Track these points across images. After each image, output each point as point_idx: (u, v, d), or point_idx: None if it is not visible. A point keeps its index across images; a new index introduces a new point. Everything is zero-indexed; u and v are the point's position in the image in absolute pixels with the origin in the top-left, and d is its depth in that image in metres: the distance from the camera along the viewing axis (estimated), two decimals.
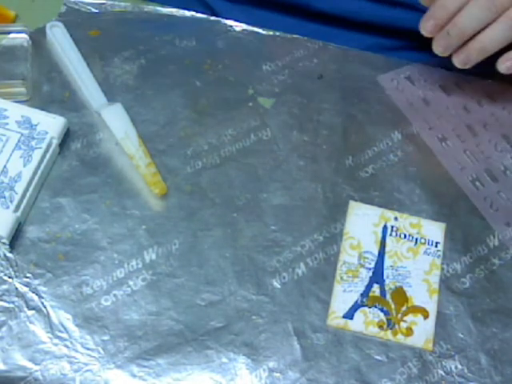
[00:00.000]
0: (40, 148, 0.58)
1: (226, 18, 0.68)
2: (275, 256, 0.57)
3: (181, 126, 0.62)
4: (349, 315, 0.55)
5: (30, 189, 0.57)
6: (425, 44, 0.61)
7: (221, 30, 0.68)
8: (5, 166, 0.57)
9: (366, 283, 0.57)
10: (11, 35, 0.63)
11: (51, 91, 0.62)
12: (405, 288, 0.57)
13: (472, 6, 0.57)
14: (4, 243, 0.55)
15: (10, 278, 0.55)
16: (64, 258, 0.56)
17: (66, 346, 0.53)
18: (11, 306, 0.54)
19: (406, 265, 0.58)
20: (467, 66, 0.60)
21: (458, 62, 0.60)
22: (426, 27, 0.59)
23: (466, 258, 0.58)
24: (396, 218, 0.59)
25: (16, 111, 0.59)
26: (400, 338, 0.55)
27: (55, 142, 0.59)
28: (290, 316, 0.55)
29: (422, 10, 0.60)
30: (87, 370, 0.52)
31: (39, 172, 0.57)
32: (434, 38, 0.59)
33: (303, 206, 0.59)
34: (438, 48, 0.60)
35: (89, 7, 0.67)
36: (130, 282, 0.55)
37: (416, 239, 0.59)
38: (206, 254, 0.57)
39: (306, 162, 0.61)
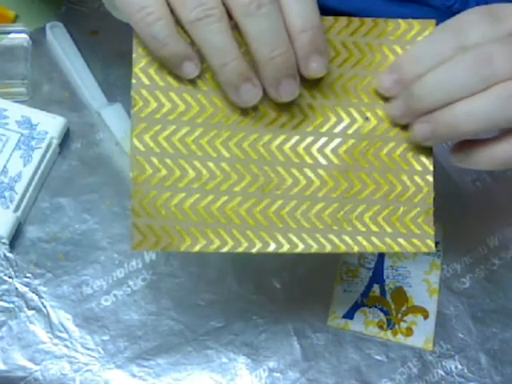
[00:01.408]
0: (40, 148, 0.58)
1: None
2: (275, 256, 0.57)
3: None
4: (349, 315, 0.55)
5: (30, 189, 0.57)
6: None
7: None
8: (5, 166, 0.57)
9: (365, 283, 0.57)
10: (11, 35, 0.63)
11: (51, 91, 0.62)
12: (405, 288, 0.57)
13: (454, 65, 0.40)
14: (4, 243, 0.55)
15: (10, 277, 0.55)
16: (64, 258, 0.56)
17: (66, 346, 0.53)
18: (11, 306, 0.54)
19: (406, 265, 0.58)
20: (429, 143, 0.43)
21: (417, 133, 0.42)
22: (384, 82, 0.42)
23: (466, 258, 0.58)
24: None
25: (16, 111, 0.59)
26: (400, 337, 0.55)
27: (55, 142, 0.59)
28: (289, 316, 0.55)
29: (432, 7, 0.58)
30: (87, 370, 0.52)
31: (39, 172, 0.57)
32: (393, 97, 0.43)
33: None
34: (393, 111, 0.43)
35: (89, 7, 0.67)
36: (130, 282, 0.55)
37: None
38: (206, 254, 0.57)
39: None
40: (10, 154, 0.57)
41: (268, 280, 0.56)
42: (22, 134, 0.58)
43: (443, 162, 0.63)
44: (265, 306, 0.55)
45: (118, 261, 0.56)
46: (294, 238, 0.42)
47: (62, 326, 0.54)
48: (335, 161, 0.43)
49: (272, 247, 0.42)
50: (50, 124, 0.59)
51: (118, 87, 0.63)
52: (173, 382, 0.53)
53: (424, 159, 0.44)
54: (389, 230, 0.43)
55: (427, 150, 0.44)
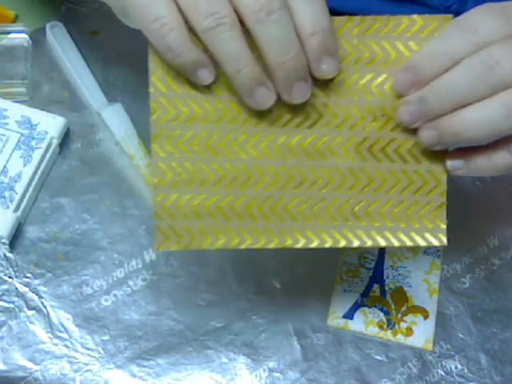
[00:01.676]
0: (40, 148, 0.58)
1: None
2: (275, 256, 0.57)
3: None
4: (349, 315, 0.55)
5: (30, 189, 0.57)
6: None
7: None
8: (5, 166, 0.57)
9: (366, 283, 0.57)
10: (11, 35, 0.63)
11: (51, 91, 0.62)
12: (405, 288, 0.57)
13: (460, 71, 0.41)
14: (4, 243, 0.55)
15: (10, 277, 0.55)
16: (64, 258, 0.56)
17: (66, 346, 0.53)
18: (11, 306, 0.54)
19: (406, 265, 0.58)
20: (437, 148, 0.43)
21: (424, 139, 0.43)
22: (400, 82, 0.42)
23: (466, 258, 0.58)
24: None
25: (16, 111, 0.59)
26: (400, 338, 0.55)
27: (55, 142, 0.59)
28: (289, 316, 0.55)
29: (430, 7, 0.58)
30: (87, 370, 0.52)
31: (39, 172, 0.57)
32: (403, 101, 0.43)
33: None
34: (405, 116, 0.42)
35: (89, 7, 0.67)
36: (130, 282, 0.55)
37: None
38: (206, 253, 0.57)
39: None
40: (10, 154, 0.57)
41: (268, 280, 0.56)
42: (22, 134, 0.58)
43: None
44: (265, 306, 0.55)
45: (117, 261, 0.56)
46: (310, 234, 0.44)
47: (62, 326, 0.54)
48: (352, 158, 0.44)
49: (289, 243, 0.44)
50: (50, 124, 0.59)
51: (118, 87, 0.63)
52: (173, 382, 0.53)
53: (437, 154, 0.44)
54: (402, 224, 0.44)
55: None
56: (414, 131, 0.43)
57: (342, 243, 0.44)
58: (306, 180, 0.43)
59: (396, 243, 0.44)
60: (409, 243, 0.44)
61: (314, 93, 0.42)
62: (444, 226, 0.44)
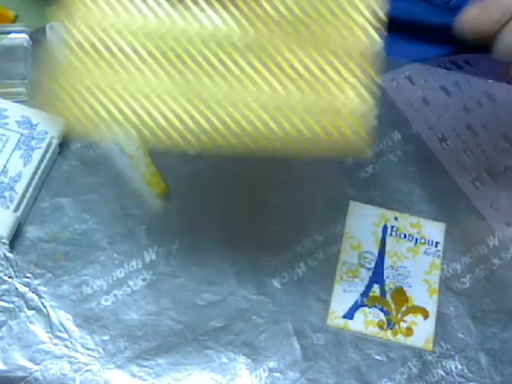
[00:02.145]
0: (40, 148, 0.58)
1: None
2: (275, 256, 0.57)
3: None
4: (349, 315, 0.55)
5: (30, 189, 0.57)
6: (433, 38, 0.58)
7: None
8: (5, 166, 0.57)
9: (366, 283, 0.57)
10: (11, 35, 0.63)
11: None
12: (405, 288, 0.57)
13: None
14: (4, 243, 0.55)
15: (10, 277, 0.55)
16: (64, 258, 0.56)
17: (66, 346, 0.53)
18: (11, 305, 0.54)
19: (406, 265, 0.58)
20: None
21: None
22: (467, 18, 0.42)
23: (466, 258, 0.58)
24: (396, 218, 0.59)
25: (16, 111, 0.59)
26: (400, 338, 0.55)
27: (55, 142, 0.59)
28: (290, 316, 0.55)
29: (430, 2, 0.58)
30: (87, 370, 0.52)
31: (39, 172, 0.57)
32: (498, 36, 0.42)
33: (303, 206, 0.59)
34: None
35: None
36: (130, 282, 0.55)
37: (416, 239, 0.59)
38: (206, 254, 0.57)
39: (306, 162, 0.61)
40: (10, 154, 0.57)
41: (268, 280, 0.56)
42: (22, 134, 0.58)
43: (443, 162, 0.63)
44: (265, 306, 0.55)
45: (118, 261, 0.56)
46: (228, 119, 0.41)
47: (62, 326, 0.54)
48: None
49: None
50: (50, 124, 0.59)
51: None
52: (173, 382, 0.53)
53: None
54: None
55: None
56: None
57: (264, 130, 0.40)
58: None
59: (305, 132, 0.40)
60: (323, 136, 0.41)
61: None
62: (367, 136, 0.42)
